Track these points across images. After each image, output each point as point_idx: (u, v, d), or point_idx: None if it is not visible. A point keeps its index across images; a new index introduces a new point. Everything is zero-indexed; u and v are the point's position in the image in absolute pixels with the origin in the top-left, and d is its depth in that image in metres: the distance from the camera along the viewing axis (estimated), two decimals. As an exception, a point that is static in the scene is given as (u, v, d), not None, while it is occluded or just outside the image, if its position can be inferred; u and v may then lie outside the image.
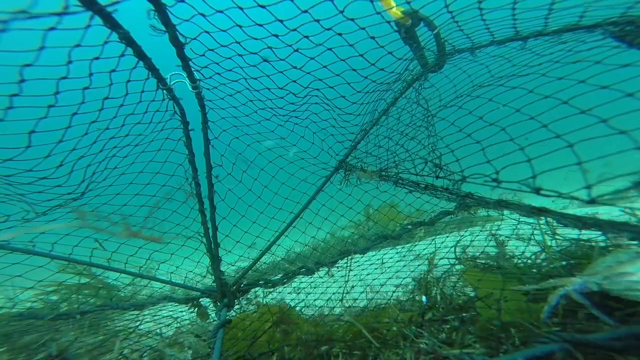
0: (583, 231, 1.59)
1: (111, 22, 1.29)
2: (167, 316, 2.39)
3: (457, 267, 2.16)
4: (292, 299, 2.68)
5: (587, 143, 1.03)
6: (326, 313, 2.27)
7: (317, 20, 1.53)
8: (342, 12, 1.53)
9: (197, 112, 2.20)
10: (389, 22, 1.90)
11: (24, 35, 1.03)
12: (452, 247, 2.49)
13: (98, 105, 1.63)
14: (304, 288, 2.93)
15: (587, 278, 1.18)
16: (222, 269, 2.34)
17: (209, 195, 2.32)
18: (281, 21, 1.54)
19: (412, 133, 2.23)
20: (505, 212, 1.92)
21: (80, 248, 1.97)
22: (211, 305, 2.41)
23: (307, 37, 1.64)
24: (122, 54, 1.47)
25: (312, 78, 1.98)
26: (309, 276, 2.43)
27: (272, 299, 2.70)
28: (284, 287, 2.55)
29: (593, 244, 1.78)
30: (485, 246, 2.33)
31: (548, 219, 1.61)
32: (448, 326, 1.45)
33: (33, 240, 1.84)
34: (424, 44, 2.16)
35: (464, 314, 1.50)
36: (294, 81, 1.99)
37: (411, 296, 2.06)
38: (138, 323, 2.21)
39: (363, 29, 1.62)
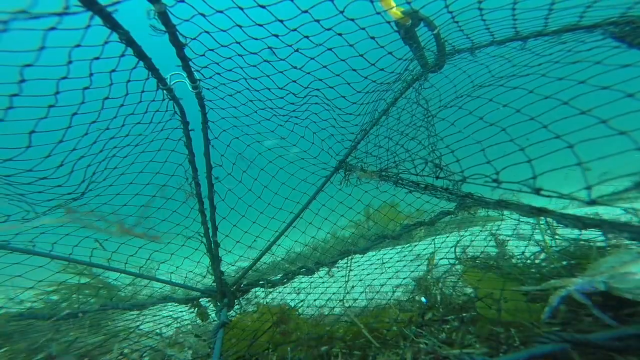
0: (583, 231, 1.59)
1: (111, 22, 1.29)
2: (167, 316, 2.39)
3: (457, 267, 2.16)
4: (292, 299, 2.68)
5: (588, 144, 1.03)
6: (326, 313, 2.27)
7: (317, 21, 1.53)
8: (342, 12, 1.53)
9: (197, 112, 2.20)
10: (389, 22, 1.90)
11: (24, 35, 1.03)
12: (452, 247, 2.49)
13: (98, 106, 1.63)
14: (304, 288, 2.93)
15: (592, 278, 1.18)
16: (222, 269, 2.35)
17: (209, 195, 2.32)
18: (281, 21, 1.54)
19: (412, 133, 2.23)
20: (506, 212, 1.92)
21: (80, 248, 1.97)
22: (211, 305, 2.41)
23: (307, 37, 1.64)
24: (122, 54, 1.47)
25: (312, 78, 1.98)
26: (309, 276, 2.43)
27: (272, 299, 2.70)
28: (284, 287, 2.55)
29: (591, 244, 1.78)
30: (485, 246, 2.33)
31: (548, 219, 1.61)
32: (448, 326, 1.45)
33: (33, 240, 1.84)
34: (424, 44, 2.16)
35: (464, 314, 1.50)
36: (294, 81, 2.00)
37: (411, 296, 2.06)
38: (138, 323, 2.21)
39: (363, 29, 1.62)
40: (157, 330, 2.18)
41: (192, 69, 1.82)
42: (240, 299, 2.39)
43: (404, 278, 2.40)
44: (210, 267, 2.35)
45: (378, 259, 2.88)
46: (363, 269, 2.73)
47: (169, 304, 2.41)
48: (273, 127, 2.45)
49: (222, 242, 2.39)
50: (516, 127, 1.31)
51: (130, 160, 2.03)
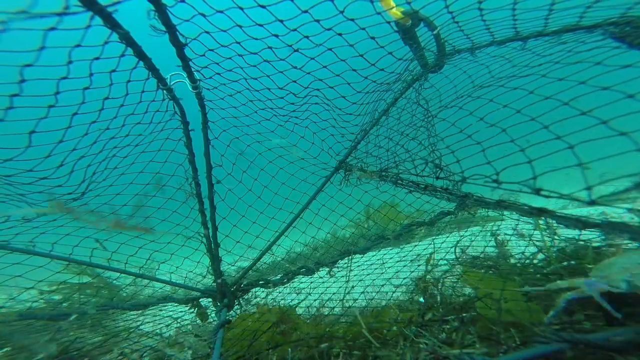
0: (583, 231, 1.59)
1: (111, 22, 1.29)
2: (167, 316, 2.39)
3: (457, 267, 2.16)
4: (292, 299, 2.68)
5: (588, 144, 1.03)
6: (326, 313, 2.27)
7: (317, 21, 1.53)
8: (342, 12, 1.53)
9: (197, 112, 2.20)
10: (389, 22, 1.90)
11: (24, 35, 1.03)
12: (451, 247, 2.50)
13: (98, 106, 1.63)
14: (304, 288, 2.93)
15: (606, 278, 1.18)
16: (222, 269, 2.34)
17: (209, 196, 2.32)
18: (281, 21, 1.54)
19: (413, 133, 2.23)
20: (505, 212, 1.92)
21: (81, 248, 1.97)
22: (211, 305, 2.41)
23: (307, 37, 1.64)
24: (123, 54, 1.47)
25: (312, 78, 1.98)
26: (309, 276, 2.43)
27: (272, 299, 2.71)
28: (284, 287, 2.55)
29: (590, 244, 1.79)
30: (485, 246, 2.33)
31: (548, 219, 1.61)
32: (448, 326, 1.46)
33: (33, 241, 1.84)
34: (424, 45, 2.16)
35: (464, 314, 1.50)
36: (294, 81, 1.99)
37: (411, 296, 2.06)
38: (139, 323, 2.21)
39: (363, 29, 1.62)
40: (157, 330, 2.18)
41: (192, 69, 1.82)
42: (241, 299, 2.39)
43: (404, 278, 2.41)
44: (210, 267, 2.35)
45: (378, 259, 2.88)
46: (363, 269, 2.73)
47: (169, 304, 2.41)
48: (273, 127, 2.45)
49: (222, 242, 2.39)
50: (516, 127, 1.31)
51: (130, 160, 2.03)
